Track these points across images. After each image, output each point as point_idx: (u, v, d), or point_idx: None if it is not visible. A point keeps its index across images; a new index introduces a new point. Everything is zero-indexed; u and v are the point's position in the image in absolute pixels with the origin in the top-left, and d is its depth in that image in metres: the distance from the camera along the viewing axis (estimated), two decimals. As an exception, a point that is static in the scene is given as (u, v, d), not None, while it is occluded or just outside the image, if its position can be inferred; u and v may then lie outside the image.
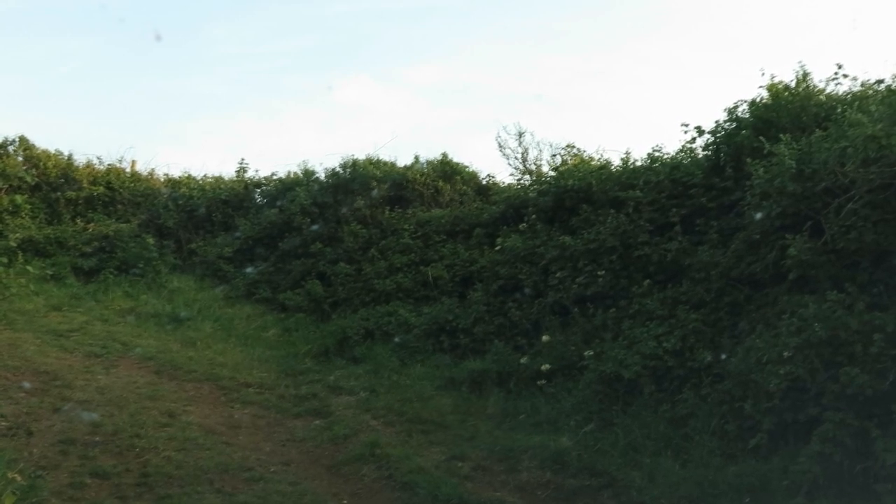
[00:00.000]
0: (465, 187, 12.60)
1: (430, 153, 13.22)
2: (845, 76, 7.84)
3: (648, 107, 23.99)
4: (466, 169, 12.98)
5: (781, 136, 6.88)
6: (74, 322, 10.04)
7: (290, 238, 12.41)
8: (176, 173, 15.58)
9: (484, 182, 12.94)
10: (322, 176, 13.52)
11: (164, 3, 25.88)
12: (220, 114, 29.58)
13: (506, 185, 12.59)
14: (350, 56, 29.27)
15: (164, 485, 5.26)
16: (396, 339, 9.46)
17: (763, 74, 8.06)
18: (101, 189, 14.14)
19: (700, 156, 8.65)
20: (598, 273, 8.21)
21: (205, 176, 15.41)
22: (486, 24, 28.32)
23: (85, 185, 14.09)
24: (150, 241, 12.79)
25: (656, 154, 9.17)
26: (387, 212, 12.13)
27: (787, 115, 7.63)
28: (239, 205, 14.05)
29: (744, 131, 7.80)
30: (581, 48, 28.23)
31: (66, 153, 14.70)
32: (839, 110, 7.15)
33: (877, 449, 4.59)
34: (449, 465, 6.01)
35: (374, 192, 12.37)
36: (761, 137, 7.17)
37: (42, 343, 8.83)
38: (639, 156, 9.49)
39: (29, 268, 11.80)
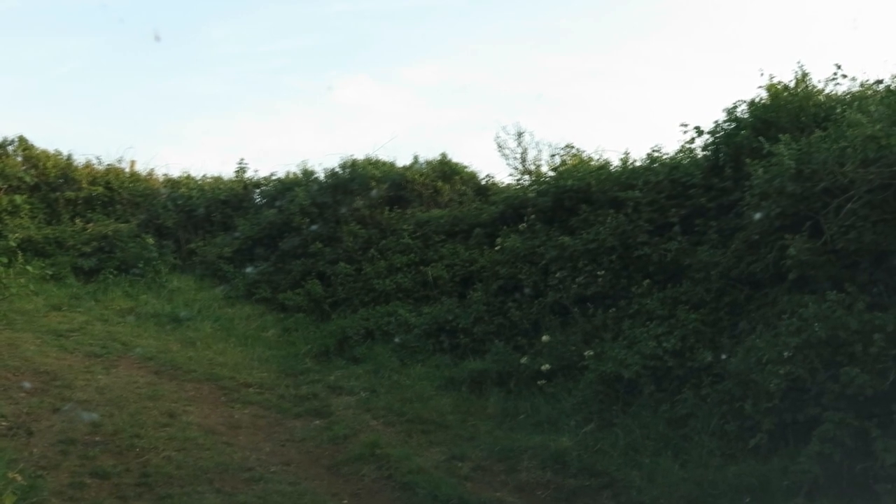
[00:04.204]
0: (464, 187, 12.59)
1: (429, 153, 13.23)
2: (844, 76, 7.86)
3: (648, 107, 24.04)
4: (466, 169, 12.99)
5: (781, 136, 6.88)
6: (74, 322, 10.03)
7: (289, 238, 12.40)
8: (175, 173, 15.60)
9: (483, 182, 12.93)
10: (321, 176, 13.52)
11: (164, 3, 25.90)
12: (220, 114, 29.62)
13: (505, 185, 12.60)
14: (350, 56, 29.31)
15: (164, 485, 5.26)
16: (396, 339, 9.46)
17: (762, 74, 8.08)
18: (101, 189, 14.13)
19: (699, 156, 8.65)
20: (598, 273, 8.22)
21: (204, 176, 15.43)
22: (485, 24, 28.37)
23: (84, 185, 14.08)
24: (150, 241, 12.78)
25: (655, 154, 9.18)
26: (386, 212, 12.13)
27: (787, 115, 7.63)
28: (238, 205, 14.05)
29: (743, 131, 7.81)
30: (581, 48, 28.28)
31: (65, 153, 14.73)
32: (838, 110, 7.17)
33: (877, 449, 4.59)
34: (449, 466, 6.01)
35: (374, 193, 12.37)
36: (760, 138, 7.18)
37: (42, 343, 8.82)
38: (638, 156, 9.51)
39: (28, 268, 11.79)
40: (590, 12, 28.88)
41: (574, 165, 10.30)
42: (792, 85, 7.94)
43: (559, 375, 7.59)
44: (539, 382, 7.59)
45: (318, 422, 7.13)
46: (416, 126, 26.80)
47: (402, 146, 27.61)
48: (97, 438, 6.03)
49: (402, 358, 9.00)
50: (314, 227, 12.34)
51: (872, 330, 5.11)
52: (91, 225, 13.21)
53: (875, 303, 5.50)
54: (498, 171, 25.63)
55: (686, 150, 8.90)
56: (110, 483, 5.24)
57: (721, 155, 8.03)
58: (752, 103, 8.05)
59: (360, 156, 13.32)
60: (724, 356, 6.31)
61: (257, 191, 14.50)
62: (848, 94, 7.77)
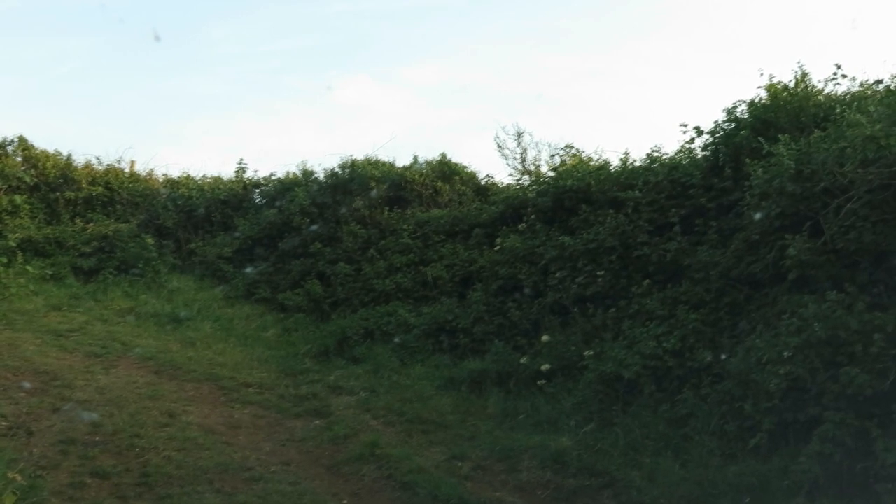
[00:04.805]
0: (464, 187, 12.60)
1: (429, 153, 13.23)
2: (844, 76, 7.87)
3: (648, 107, 24.07)
4: (465, 169, 12.99)
5: (780, 136, 6.89)
6: (74, 322, 10.02)
7: (289, 238, 12.41)
8: (175, 173, 15.61)
9: (483, 182, 12.94)
10: (321, 176, 13.54)
11: (164, 3, 25.91)
12: (220, 114, 29.65)
13: (505, 185, 12.62)
14: (350, 56, 29.35)
15: (164, 485, 5.26)
16: (396, 339, 9.46)
17: (762, 75, 8.09)
18: (100, 189, 14.12)
19: (699, 156, 8.66)
20: (598, 273, 8.22)
21: (204, 176, 15.43)
22: (485, 24, 28.42)
23: (84, 186, 14.07)
24: (150, 241, 12.77)
25: (655, 154, 9.19)
26: (386, 212, 12.13)
27: (786, 115, 7.64)
28: (238, 205, 14.06)
29: (743, 132, 7.81)
30: (581, 48, 28.33)
31: (65, 153, 14.71)
32: (838, 111, 7.17)
33: (877, 449, 4.60)
34: (449, 465, 6.01)
35: (373, 193, 12.37)
36: (760, 138, 7.18)
37: (42, 343, 8.82)
38: (638, 156, 9.52)
39: (28, 268, 11.78)
40: (590, 12, 28.97)
41: (574, 165, 10.30)
42: (791, 85, 7.94)
43: (559, 375, 7.59)
44: (539, 382, 7.59)
45: (317, 422, 7.13)
46: (415, 126, 26.86)
47: (402, 146, 27.64)
48: (97, 438, 6.02)
49: (402, 358, 9.01)
50: (314, 228, 12.35)
51: (872, 330, 5.11)
52: (91, 225, 13.20)
53: (875, 303, 5.50)
54: (498, 171, 25.73)
55: (686, 151, 8.91)
56: (110, 483, 5.24)
57: (721, 155, 8.04)
58: (751, 103, 8.05)
59: (359, 156, 13.37)
60: (724, 356, 6.31)
61: (257, 191, 14.51)
62: (847, 94, 7.78)
